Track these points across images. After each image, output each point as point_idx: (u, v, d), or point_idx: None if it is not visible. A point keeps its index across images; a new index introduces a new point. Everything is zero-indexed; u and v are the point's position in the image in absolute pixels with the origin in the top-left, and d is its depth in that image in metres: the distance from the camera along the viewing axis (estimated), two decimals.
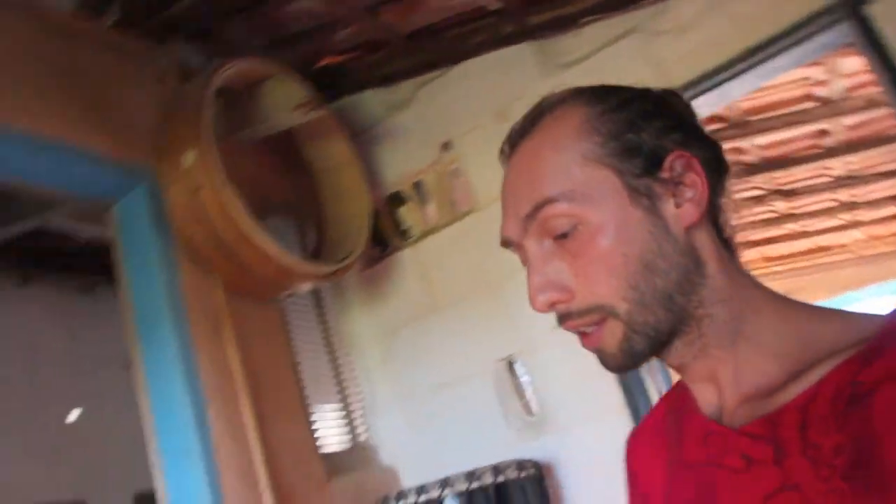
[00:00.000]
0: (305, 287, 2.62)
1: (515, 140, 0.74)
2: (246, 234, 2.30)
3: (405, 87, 3.01)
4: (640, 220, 0.67)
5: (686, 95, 2.42)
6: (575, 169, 0.68)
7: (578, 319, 0.69)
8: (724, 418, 0.69)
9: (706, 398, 0.72)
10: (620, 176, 0.68)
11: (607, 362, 0.70)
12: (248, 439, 2.36)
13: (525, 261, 0.72)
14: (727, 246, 0.73)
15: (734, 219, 0.74)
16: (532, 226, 0.70)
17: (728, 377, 0.69)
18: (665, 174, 0.69)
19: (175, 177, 2.35)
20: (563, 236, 0.68)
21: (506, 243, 0.74)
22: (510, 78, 2.79)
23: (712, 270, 0.69)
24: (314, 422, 2.70)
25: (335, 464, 2.70)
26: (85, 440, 5.56)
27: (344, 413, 2.90)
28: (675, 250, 0.67)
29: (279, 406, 2.54)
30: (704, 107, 2.60)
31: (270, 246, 2.35)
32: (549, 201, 0.68)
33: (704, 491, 0.68)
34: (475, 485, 2.32)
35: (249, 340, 2.51)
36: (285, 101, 2.64)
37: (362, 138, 3.00)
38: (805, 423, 0.61)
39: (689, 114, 0.75)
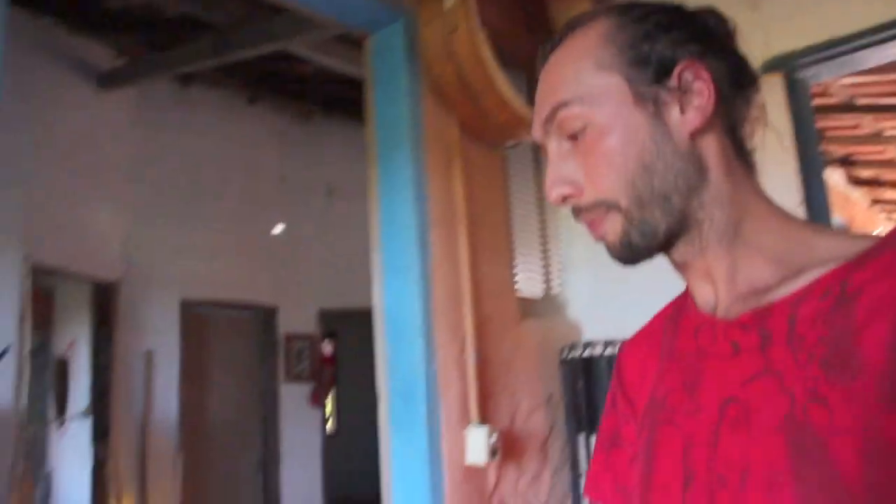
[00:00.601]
0: (531, 138, 2.77)
1: (548, 53, 0.80)
2: (491, 77, 2.46)
3: None
4: (642, 123, 0.72)
5: None
6: (588, 75, 0.74)
7: (588, 213, 0.75)
8: (718, 313, 0.74)
9: (703, 296, 0.77)
10: (629, 83, 0.73)
11: (611, 252, 0.77)
12: (460, 265, 2.60)
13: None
14: (745, 157, 0.77)
15: (756, 132, 0.78)
16: (551, 128, 0.77)
17: (724, 275, 0.73)
18: (674, 82, 0.73)
19: (434, 16, 2.52)
20: (575, 137, 0.75)
21: (535, 144, 0.84)
22: None
23: (715, 176, 0.73)
24: (516, 266, 2.91)
25: (528, 308, 2.93)
26: (284, 254, 6.17)
27: (542, 264, 3.10)
28: (674, 154, 0.72)
29: (489, 243, 2.76)
30: None
31: (510, 92, 2.50)
32: (563, 104, 0.75)
33: (690, 378, 0.73)
34: None
35: (473, 179, 2.72)
36: None
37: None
38: (794, 316, 0.66)
39: (720, 29, 0.77)
